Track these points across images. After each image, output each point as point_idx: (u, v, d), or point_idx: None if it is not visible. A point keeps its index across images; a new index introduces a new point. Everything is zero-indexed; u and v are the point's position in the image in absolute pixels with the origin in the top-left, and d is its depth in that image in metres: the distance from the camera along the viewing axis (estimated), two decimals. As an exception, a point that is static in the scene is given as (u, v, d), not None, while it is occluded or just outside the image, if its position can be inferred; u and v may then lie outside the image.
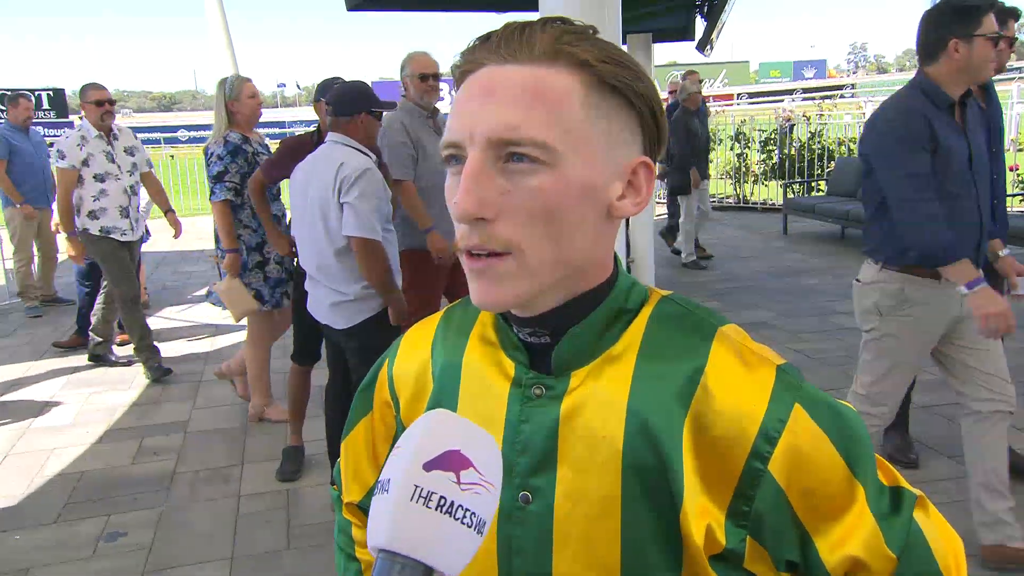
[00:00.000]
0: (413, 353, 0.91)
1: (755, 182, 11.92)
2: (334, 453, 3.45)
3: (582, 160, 0.72)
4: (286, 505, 3.52)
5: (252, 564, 3.08)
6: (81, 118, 5.25)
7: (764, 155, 11.77)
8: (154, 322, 6.78)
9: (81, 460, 4.08)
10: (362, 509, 1.00)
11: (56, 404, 4.90)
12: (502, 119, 0.70)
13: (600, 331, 0.78)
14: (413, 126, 3.95)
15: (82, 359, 5.75)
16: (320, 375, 5.10)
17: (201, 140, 30.29)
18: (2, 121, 7.18)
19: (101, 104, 5.08)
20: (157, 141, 25.70)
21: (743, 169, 11.96)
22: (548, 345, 0.79)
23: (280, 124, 34.91)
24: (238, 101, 4.10)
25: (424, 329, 0.92)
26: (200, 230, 12.02)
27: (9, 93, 7.08)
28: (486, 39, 0.75)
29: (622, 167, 0.76)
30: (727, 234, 9.92)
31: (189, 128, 35.01)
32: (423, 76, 3.98)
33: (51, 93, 27.50)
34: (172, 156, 19.76)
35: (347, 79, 3.67)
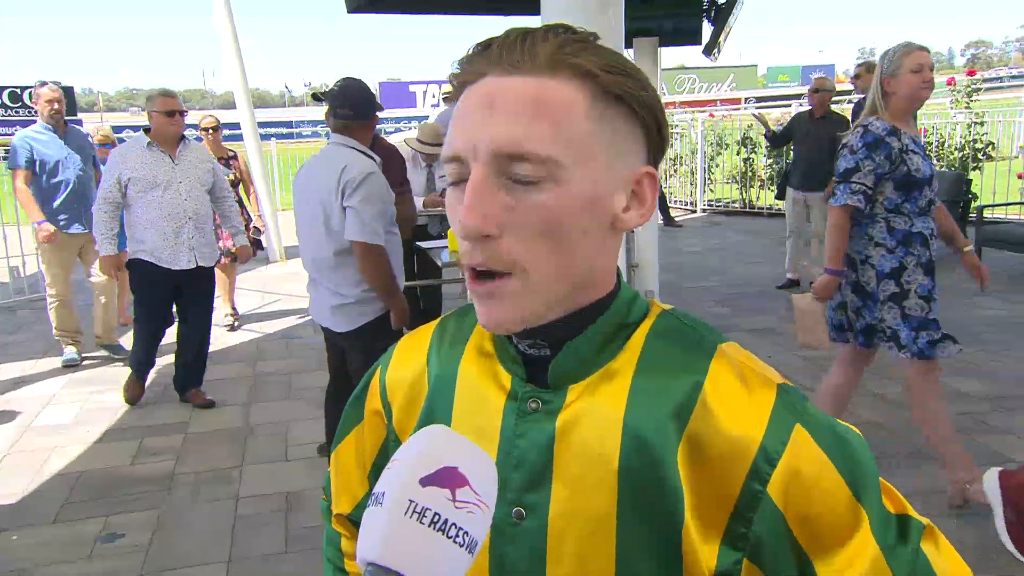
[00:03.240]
0: (407, 361, 0.89)
1: (761, 187, 11.89)
2: (334, 456, 3.43)
3: (586, 173, 0.70)
4: (285, 508, 3.50)
5: (250, 567, 3.06)
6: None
7: (770, 160, 11.73)
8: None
9: (81, 459, 4.07)
10: (351, 521, 0.98)
11: (57, 403, 4.89)
12: (506, 133, 0.68)
13: (599, 345, 0.76)
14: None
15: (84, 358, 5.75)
16: (322, 377, 5.11)
17: (209, 139, 30.38)
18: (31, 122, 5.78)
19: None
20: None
21: (749, 174, 11.93)
22: (546, 358, 0.77)
23: (287, 123, 34.98)
24: (895, 78, 3.05)
25: (418, 337, 0.91)
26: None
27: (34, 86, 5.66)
28: (486, 48, 0.73)
29: (626, 178, 0.74)
30: (734, 239, 9.89)
31: (197, 127, 35.13)
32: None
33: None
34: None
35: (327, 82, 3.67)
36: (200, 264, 4.54)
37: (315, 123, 29.26)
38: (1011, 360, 5.06)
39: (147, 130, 4.47)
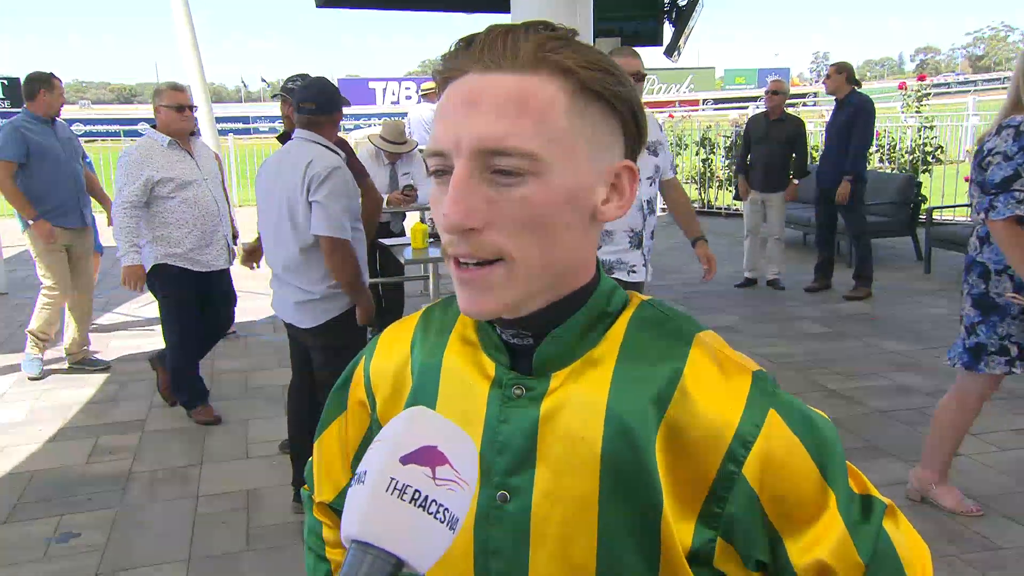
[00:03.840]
0: (391, 352, 0.90)
1: (720, 187, 12.05)
2: (296, 454, 3.40)
3: (567, 167, 0.72)
4: (245, 506, 3.46)
5: (210, 565, 3.03)
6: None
7: (729, 160, 11.89)
8: (110, 318, 6.68)
9: (33, 459, 3.98)
10: (333, 509, 0.99)
11: (7, 401, 4.77)
12: (488, 129, 0.70)
13: (581, 333, 0.78)
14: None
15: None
16: (280, 375, 5.06)
17: (162, 134, 29.78)
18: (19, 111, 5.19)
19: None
20: (116, 134, 25.24)
21: (708, 174, 12.08)
22: (529, 346, 0.79)
23: (244, 119, 34.45)
24: None
25: (402, 328, 0.92)
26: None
27: (35, 76, 4.97)
28: (468, 45, 0.74)
29: (606, 171, 0.76)
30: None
31: (150, 121, 34.28)
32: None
33: (5, 82, 26.76)
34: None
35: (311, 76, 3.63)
36: (229, 264, 4.47)
37: (272, 119, 28.84)
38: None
39: (153, 126, 4.25)
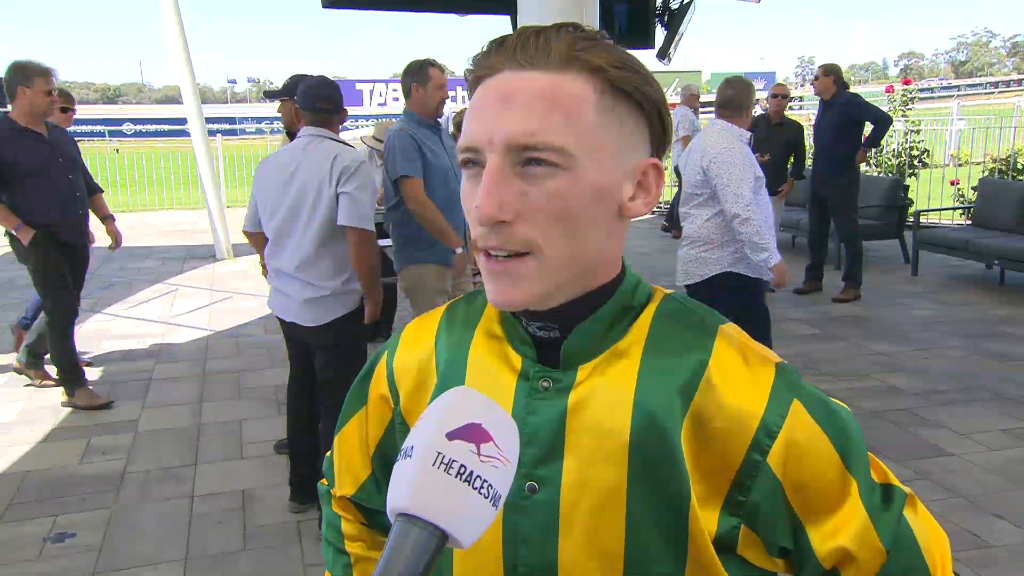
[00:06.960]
0: (415, 346, 0.91)
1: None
2: (295, 453, 3.40)
3: (595, 163, 0.74)
4: (241, 506, 3.46)
5: (206, 565, 3.02)
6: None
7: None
8: (102, 319, 6.64)
9: (26, 459, 3.95)
10: (353, 503, 1.00)
11: (-2, 401, 4.74)
12: (521, 125, 0.72)
13: (608, 326, 0.80)
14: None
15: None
16: (273, 375, 5.05)
17: (148, 135, 29.57)
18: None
19: None
20: (101, 134, 25.02)
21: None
22: (555, 339, 0.80)
23: (231, 120, 34.28)
24: None
25: (426, 323, 0.93)
26: (148, 225, 11.77)
27: (408, 67, 3.84)
28: (500, 44, 0.76)
29: (632, 169, 0.78)
30: (679, 242, 10.04)
31: (135, 121, 34.05)
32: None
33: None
34: (117, 150, 19.10)
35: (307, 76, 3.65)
36: None
37: (259, 119, 28.73)
38: (938, 357, 5.27)
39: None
